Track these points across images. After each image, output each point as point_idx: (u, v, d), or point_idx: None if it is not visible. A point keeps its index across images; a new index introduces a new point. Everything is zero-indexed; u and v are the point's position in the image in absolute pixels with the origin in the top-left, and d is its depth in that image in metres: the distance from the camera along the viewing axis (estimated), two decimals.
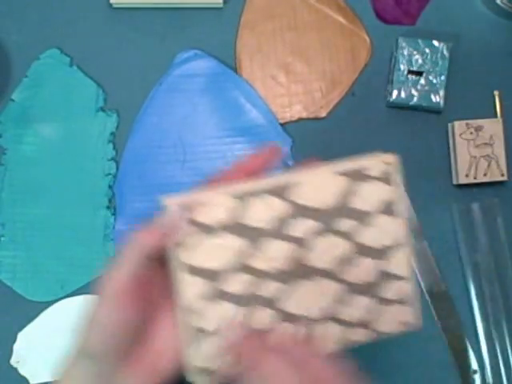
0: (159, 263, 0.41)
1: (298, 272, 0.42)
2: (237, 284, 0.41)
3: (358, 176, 0.43)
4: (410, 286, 0.44)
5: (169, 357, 0.42)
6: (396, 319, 0.45)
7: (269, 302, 0.42)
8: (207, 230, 0.41)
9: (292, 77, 0.70)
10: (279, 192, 0.41)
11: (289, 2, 0.70)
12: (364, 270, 0.43)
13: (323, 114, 0.69)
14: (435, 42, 0.68)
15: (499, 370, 0.66)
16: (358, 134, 0.69)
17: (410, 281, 0.44)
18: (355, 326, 0.44)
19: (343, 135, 0.69)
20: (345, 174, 0.42)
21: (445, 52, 0.68)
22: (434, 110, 0.69)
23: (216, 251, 0.41)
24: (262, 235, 0.41)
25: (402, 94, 0.68)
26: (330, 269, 0.43)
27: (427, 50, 0.68)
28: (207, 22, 0.70)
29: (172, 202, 0.41)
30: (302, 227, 0.42)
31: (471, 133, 0.67)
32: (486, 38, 0.71)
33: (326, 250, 0.42)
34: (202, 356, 0.42)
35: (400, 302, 0.44)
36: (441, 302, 0.67)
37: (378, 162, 0.43)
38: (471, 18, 0.71)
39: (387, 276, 0.44)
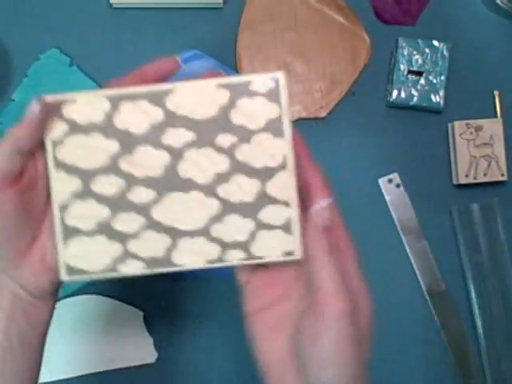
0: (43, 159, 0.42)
1: (172, 183, 0.42)
2: (107, 186, 0.42)
3: (242, 90, 0.41)
4: (293, 212, 0.41)
5: (54, 252, 0.43)
6: (276, 247, 0.42)
7: (139, 208, 0.42)
8: (78, 128, 0.41)
9: (292, 77, 0.70)
10: (156, 99, 0.41)
11: (289, 2, 0.70)
12: (243, 189, 0.41)
13: (323, 114, 0.69)
14: (435, 42, 0.68)
15: (499, 369, 0.66)
16: (358, 134, 0.69)
17: (293, 207, 0.41)
18: (231, 247, 0.42)
19: (343, 135, 0.69)
20: (227, 86, 0.41)
21: (445, 52, 0.68)
22: (434, 110, 0.69)
23: (86, 151, 0.41)
24: (133, 140, 0.41)
25: (402, 94, 0.68)
26: (205, 184, 0.41)
27: (427, 50, 0.68)
28: (207, 22, 0.70)
29: (44, 99, 0.40)
30: (176, 137, 0.41)
31: (471, 133, 0.67)
32: (486, 38, 0.71)
33: (202, 164, 0.41)
34: (71, 254, 0.42)
35: (282, 228, 0.42)
36: (441, 301, 0.67)
37: (264, 78, 0.41)
38: (471, 18, 0.71)
39: (268, 199, 0.41)
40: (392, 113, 0.70)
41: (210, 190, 0.42)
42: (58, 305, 0.66)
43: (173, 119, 0.41)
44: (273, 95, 0.41)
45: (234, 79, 0.41)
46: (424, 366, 0.67)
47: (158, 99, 0.41)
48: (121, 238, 0.42)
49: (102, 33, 0.70)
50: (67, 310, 0.66)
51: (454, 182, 0.68)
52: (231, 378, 0.68)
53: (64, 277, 0.42)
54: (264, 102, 0.41)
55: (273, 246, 0.42)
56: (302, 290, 0.42)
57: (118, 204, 0.42)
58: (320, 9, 0.70)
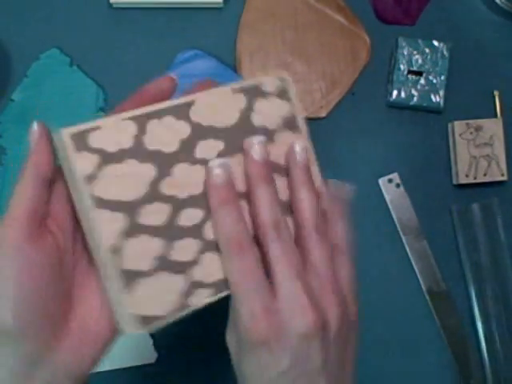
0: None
1: None
2: (154, 215, 0.37)
3: (256, 92, 0.42)
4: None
5: (103, 315, 0.36)
6: None
7: (191, 232, 0.38)
8: (110, 157, 0.37)
9: (292, 77, 0.69)
10: (180, 112, 0.39)
11: (289, 1, 0.70)
12: (283, 189, 0.41)
13: (323, 114, 0.69)
14: (435, 42, 0.68)
15: (499, 369, 0.66)
16: (358, 134, 0.69)
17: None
18: None
19: (343, 135, 0.69)
20: (242, 90, 0.41)
21: (445, 52, 0.68)
22: (434, 110, 0.69)
23: (124, 181, 0.37)
24: (168, 160, 0.38)
25: (402, 94, 0.68)
26: (246, 191, 0.40)
27: (427, 50, 0.68)
28: (207, 22, 0.70)
29: (66, 131, 0.36)
30: (207, 149, 0.39)
31: (471, 133, 0.67)
32: (485, 38, 0.71)
33: (238, 172, 0.40)
34: (138, 302, 0.36)
35: None
36: (441, 301, 0.67)
37: (272, 78, 0.43)
38: (471, 17, 0.71)
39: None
40: (392, 113, 0.70)
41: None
42: None
43: (200, 131, 0.39)
44: (282, 93, 0.43)
45: (246, 83, 0.42)
46: (424, 365, 0.67)
47: (182, 113, 0.39)
48: (182, 268, 0.38)
49: (102, 33, 0.70)
50: None
51: (454, 182, 0.68)
52: (232, 378, 0.68)
53: (135, 329, 0.36)
54: (276, 100, 0.42)
55: None
56: None
57: (170, 232, 0.38)
58: (320, 9, 0.70)
